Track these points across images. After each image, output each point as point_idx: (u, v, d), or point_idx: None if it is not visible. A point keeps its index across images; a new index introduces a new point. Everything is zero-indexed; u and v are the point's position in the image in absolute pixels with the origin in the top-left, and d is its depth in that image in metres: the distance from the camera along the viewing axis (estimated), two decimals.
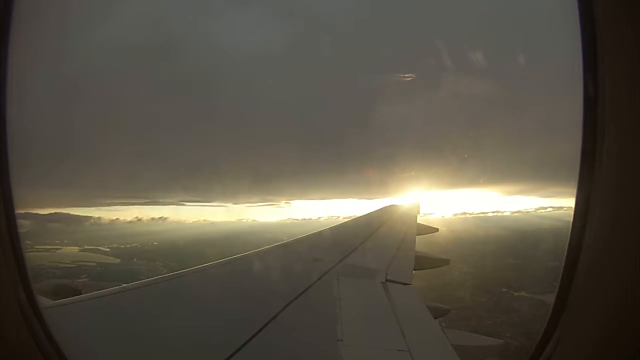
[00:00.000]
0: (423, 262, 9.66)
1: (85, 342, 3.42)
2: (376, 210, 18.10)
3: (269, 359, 3.83)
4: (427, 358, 4.15)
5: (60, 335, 2.48)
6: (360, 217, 17.45)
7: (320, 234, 11.69)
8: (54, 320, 2.51)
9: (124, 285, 5.43)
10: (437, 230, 15.06)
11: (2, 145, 2.29)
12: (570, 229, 2.05)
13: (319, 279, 6.43)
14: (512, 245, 44.13)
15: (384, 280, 6.72)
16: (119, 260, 48.28)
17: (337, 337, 4.21)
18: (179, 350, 3.71)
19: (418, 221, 15.17)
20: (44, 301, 3.75)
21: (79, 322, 4.14)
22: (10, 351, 2.22)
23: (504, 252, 41.19)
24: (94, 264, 46.16)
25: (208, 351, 3.76)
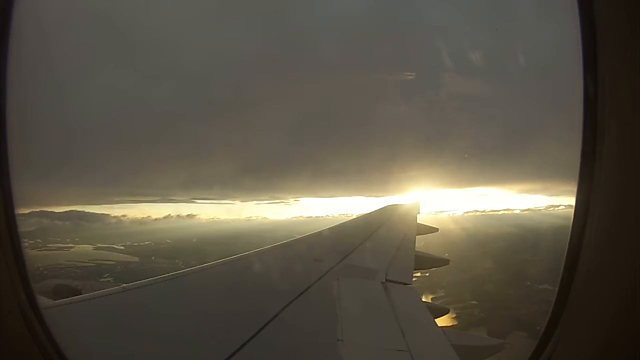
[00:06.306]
0: (423, 261, 9.66)
1: (85, 342, 3.42)
2: (376, 210, 18.09)
3: (269, 358, 3.83)
4: (427, 358, 4.15)
5: (60, 335, 2.48)
6: (360, 217, 17.44)
7: (320, 233, 11.69)
8: (54, 320, 2.51)
9: (124, 285, 5.44)
10: (437, 230, 15.04)
11: (2, 145, 2.29)
12: (570, 229, 2.05)
13: (319, 279, 6.43)
14: (525, 242, 44.66)
15: (384, 280, 6.72)
16: (137, 258, 47.96)
17: (337, 337, 4.21)
18: (179, 350, 3.71)
19: (421, 220, 15.18)
20: (44, 301, 3.75)
21: (79, 322, 4.14)
22: (10, 351, 2.22)
23: (518, 248, 42.05)
24: (112, 262, 45.93)
25: (208, 350, 3.76)
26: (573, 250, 2.03)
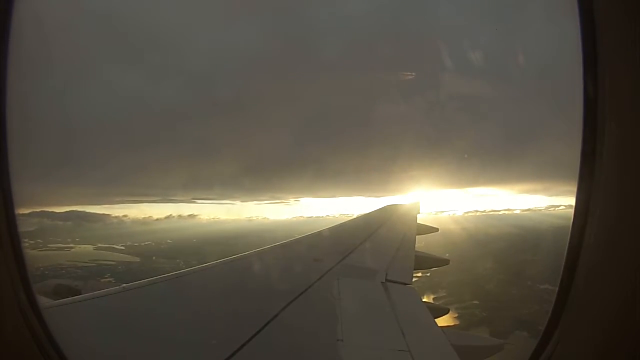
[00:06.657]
0: (423, 261, 9.67)
1: (85, 342, 3.42)
2: (376, 210, 18.10)
3: (269, 358, 3.83)
4: (427, 358, 4.15)
5: (60, 335, 2.48)
6: (360, 217, 17.45)
7: (320, 233, 11.70)
8: (54, 320, 2.51)
9: (124, 285, 5.44)
10: (437, 230, 15.07)
11: (2, 145, 2.29)
12: (570, 229, 2.05)
13: (319, 279, 6.43)
14: (525, 242, 45.05)
15: (384, 280, 6.72)
16: (138, 258, 48.04)
17: (337, 337, 4.21)
18: (179, 350, 3.71)
19: (421, 220, 15.21)
20: (44, 301, 3.75)
21: (79, 322, 4.15)
22: (10, 351, 2.22)
23: (519, 248, 42.42)
24: (113, 262, 46.17)
25: (209, 350, 3.76)
26: (573, 250, 2.03)
